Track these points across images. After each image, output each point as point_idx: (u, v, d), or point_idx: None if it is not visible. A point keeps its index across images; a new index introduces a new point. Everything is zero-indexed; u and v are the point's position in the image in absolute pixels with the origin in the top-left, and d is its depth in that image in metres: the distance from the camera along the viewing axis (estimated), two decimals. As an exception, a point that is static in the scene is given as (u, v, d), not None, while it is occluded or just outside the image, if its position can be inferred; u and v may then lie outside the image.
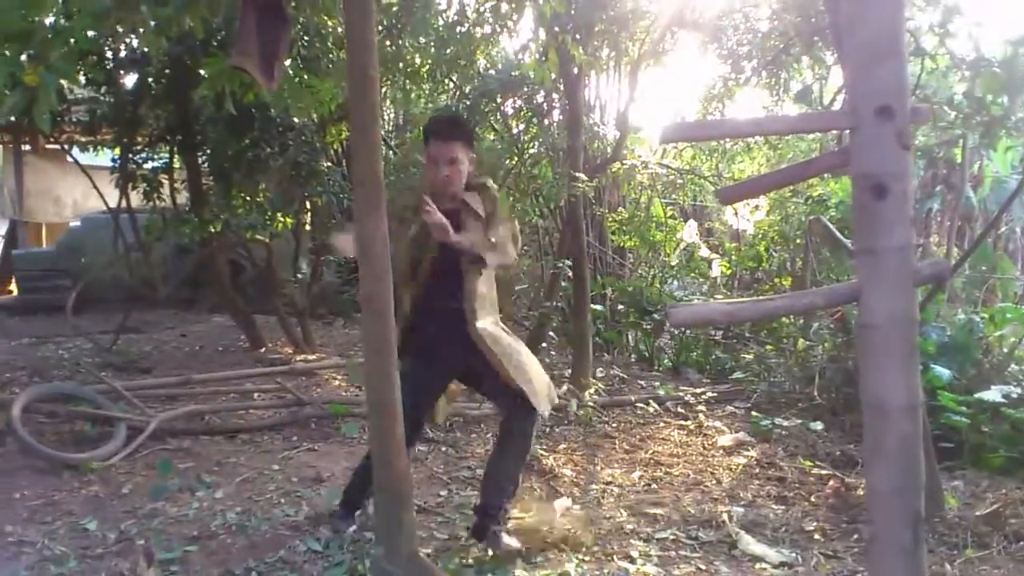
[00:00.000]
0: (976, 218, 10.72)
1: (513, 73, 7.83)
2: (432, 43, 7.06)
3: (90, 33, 3.05)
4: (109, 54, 6.69)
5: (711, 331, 8.19)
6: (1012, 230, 11.26)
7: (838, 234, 5.24)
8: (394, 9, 6.25)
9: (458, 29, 6.93)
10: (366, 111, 2.87)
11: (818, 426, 5.32)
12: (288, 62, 5.57)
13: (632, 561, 3.30)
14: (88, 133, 7.67)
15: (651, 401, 6.04)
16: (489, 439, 5.02)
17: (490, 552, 3.32)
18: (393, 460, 2.92)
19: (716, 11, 7.14)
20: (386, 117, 9.74)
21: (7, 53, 2.64)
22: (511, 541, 3.35)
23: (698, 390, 6.38)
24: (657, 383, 6.80)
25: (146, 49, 5.99)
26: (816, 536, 3.63)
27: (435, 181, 3.38)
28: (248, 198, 7.23)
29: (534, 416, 3.38)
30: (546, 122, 8.67)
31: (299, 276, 8.35)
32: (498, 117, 8.98)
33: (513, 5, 5.66)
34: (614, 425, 5.57)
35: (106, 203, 7.89)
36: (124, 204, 7.64)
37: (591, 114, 8.70)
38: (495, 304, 3.50)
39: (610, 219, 9.32)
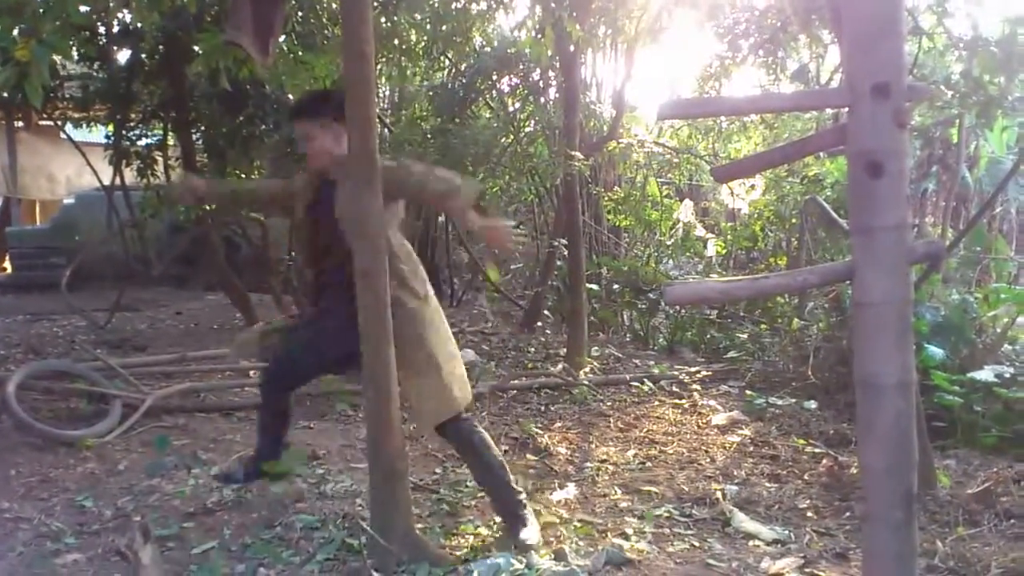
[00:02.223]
0: (971, 198, 10.76)
1: (509, 50, 7.80)
2: (428, 19, 7.02)
3: (83, 7, 3.02)
4: (102, 29, 6.63)
5: (706, 310, 8.21)
6: (1007, 210, 11.30)
7: (833, 214, 5.25)
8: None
9: (454, 5, 6.89)
10: (361, 88, 2.85)
11: (812, 405, 5.34)
12: (283, 38, 5.53)
13: (626, 538, 3.32)
14: (81, 109, 7.62)
15: (646, 380, 6.06)
16: (484, 417, 5.03)
17: (486, 530, 3.34)
18: (388, 438, 2.93)
19: (713, -11, 7.10)
20: (381, 94, 9.68)
21: (-1, 27, 2.62)
22: (529, 536, 3.13)
23: (692, 369, 6.40)
24: (652, 362, 6.83)
25: (139, 24, 5.95)
26: (809, 514, 3.66)
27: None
28: (243, 175, 7.20)
29: (455, 426, 3.17)
30: (542, 100, 8.65)
31: (293, 254, 8.34)
32: (494, 95, 8.96)
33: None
34: (609, 403, 5.59)
35: (100, 180, 7.86)
36: (118, 181, 7.61)
37: (588, 92, 8.68)
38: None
39: (606, 198, 9.31)
